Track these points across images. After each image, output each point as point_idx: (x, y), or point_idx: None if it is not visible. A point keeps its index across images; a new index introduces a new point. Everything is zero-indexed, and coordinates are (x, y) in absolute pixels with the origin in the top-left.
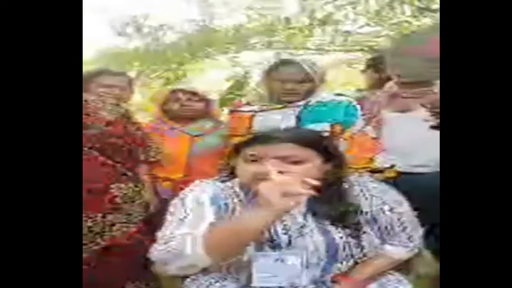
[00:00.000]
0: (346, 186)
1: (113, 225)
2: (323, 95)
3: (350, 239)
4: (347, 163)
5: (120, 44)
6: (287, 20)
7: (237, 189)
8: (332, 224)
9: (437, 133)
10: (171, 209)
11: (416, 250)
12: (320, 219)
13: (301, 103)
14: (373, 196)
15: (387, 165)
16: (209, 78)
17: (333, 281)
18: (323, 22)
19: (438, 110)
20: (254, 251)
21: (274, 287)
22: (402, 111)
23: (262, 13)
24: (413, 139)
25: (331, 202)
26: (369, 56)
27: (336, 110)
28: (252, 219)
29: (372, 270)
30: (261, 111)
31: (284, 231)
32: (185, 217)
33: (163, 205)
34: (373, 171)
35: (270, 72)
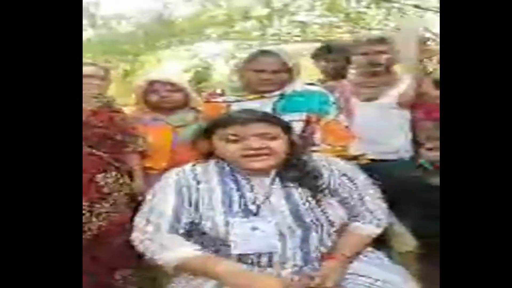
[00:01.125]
0: (307, 158)
1: (99, 214)
2: (297, 85)
3: (313, 203)
4: (300, 137)
5: None
6: (244, 10)
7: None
8: (298, 188)
9: (405, 121)
10: (146, 197)
11: (383, 226)
12: (287, 184)
13: (277, 93)
14: (334, 169)
15: (359, 153)
16: (167, 70)
17: (319, 259)
18: (280, 12)
19: (407, 99)
20: (229, 218)
21: (251, 253)
22: (369, 99)
23: (219, 3)
24: (381, 126)
25: (296, 169)
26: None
27: (311, 100)
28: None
29: (349, 248)
30: (237, 101)
31: (253, 199)
32: (154, 205)
33: None
34: (347, 159)
35: (248, 62)
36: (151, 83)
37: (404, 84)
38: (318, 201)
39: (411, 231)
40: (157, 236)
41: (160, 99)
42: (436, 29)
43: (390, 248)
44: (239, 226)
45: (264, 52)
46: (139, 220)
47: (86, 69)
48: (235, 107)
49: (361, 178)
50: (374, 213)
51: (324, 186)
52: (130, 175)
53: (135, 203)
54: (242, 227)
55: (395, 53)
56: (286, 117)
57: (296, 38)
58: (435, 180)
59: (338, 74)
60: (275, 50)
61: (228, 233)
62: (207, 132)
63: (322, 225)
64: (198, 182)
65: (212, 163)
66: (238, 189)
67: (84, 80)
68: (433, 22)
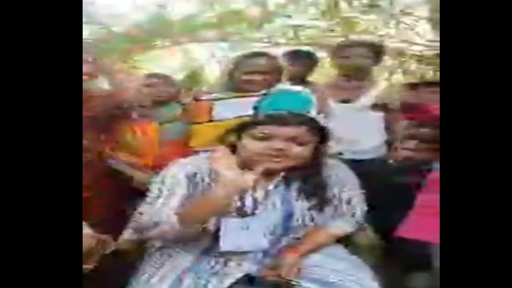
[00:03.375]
0: (323, 167)
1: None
2: (282, 84)
3: (307, 211)
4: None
5: None
6: (238, 12)
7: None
8: (300, 197)
9: (379, 122)
10: (150, 187)
11: (357, 226)
12: (289, 189)
13: (260, 92)
14: (333, 172)
15: (335, 152)
16: (161, 69)
17: (279, 251)
18: (274, 15)
19: (382, 101)
20: (221, 218)
21: (239, 252)
22: (345, 101)
23: (213, 5)
24: (358, 127)
25: (305, 177)
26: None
27: (293, 100)
28: (217, 193)
29: (315, 243)
30: (220, 99)
31: (251, 200)
32: (160, 193)
33: None
34: None
35: (239, 63)
36: (149, 76)
37: (380, 87)
38: (313, 211)
39: (375, 227)
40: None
41: (156, 92)
42: (428, 37)
43: (350, 241)
44: (230, 225)
45: (256, 54)
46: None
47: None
48: (218, 105)
49: (353, 181)
50: (356, 215)
51: (326, 198)
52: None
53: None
54: (233, 226)
55: (379, 58)
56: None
57: (289, 41)
58: (403, 179)
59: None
60: (267, 52)
61: (218, 229)
62: (240, 128)
63: (304, 230)
64: (199, 177)
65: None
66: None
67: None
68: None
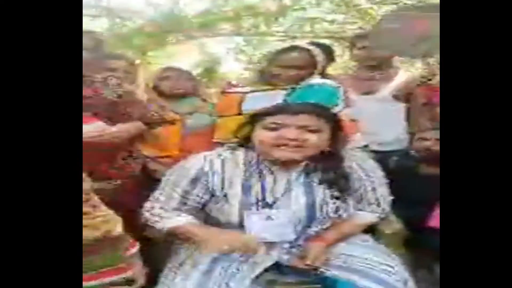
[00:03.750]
0: (344, 156)
1: None
2: (312, 78)
3: (330, 201)
4: (345, 135)
5: None
6: (253, 6)
7: (239, 160)
8: (322, 187)
9: (400, 113)
10: (163, 178)
11: (383, 216)
12: (311, 179)
13: (290, 86)
14: (356, 164)
15: (361, 145)
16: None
17: (306, 240)
18: (289, 8)
19: (402, 92)
20: (244, 208)
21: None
22: (367, 93)
23: None
24: (379, 119)
25: (326, 167)
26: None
27: (321, 93)
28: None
29: (342, 233)
30: (250, 92)
31: (272, 191)
32: (162, 190)
33: None
34: None
35: (276, 56)
36: (164, 70)
37: (401, 77)
38: (336, 201)
39: (399, 217)
40: (162, 208)
41: (172, 86)
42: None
43: (376, 230)
44: (253, 216)
45: (294, 48)
46: (155, 193)
47: (107, 62)
48: (248, 98)
49: (378, 172)
50: (382, 205)
51: (349, 187)
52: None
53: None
54: (257, 218)
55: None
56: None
57: (305, 34)
58: (427, 170)
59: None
60: (302, 45)
61: (242, 221)
62: (253, 119)
63: (329, 219)
64: (223, 170)
65: (242, 151)
66: (260, 181)
67: (106, 73)
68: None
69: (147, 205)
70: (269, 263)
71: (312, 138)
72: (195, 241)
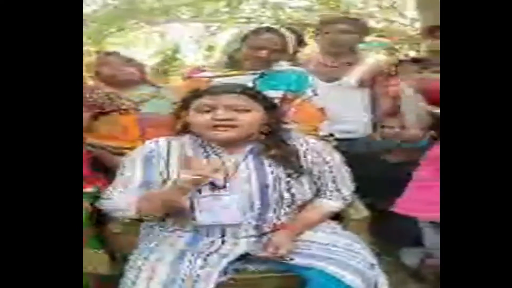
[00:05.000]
0: (287, 136)
1: None
2: (281, 64)
3: (282, 181)
4: (283, 115)
5: None
6: None
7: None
8: (272, 165)
9: (364, 100)
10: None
11: (346, 204)
12: (260, 160)
13: (259, 70)
14: (310, 148)
15: (327, 134)
16: (136, 52)
17: (272, 230)
18: None
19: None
20: (194, 193)
21: (216, 224)
22: (329, 80)
23: None
24: (343, 106)
25: (275, 145)
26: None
27: (290, 79)
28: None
29: (306, 221)
30: (217, 76)
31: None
32: (121, 174)
33: None
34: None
35: (249, 37)
36: (104, 56)
37: (363, 64)
38: (289, 180)
39: (366, 204)
40: (122, 196)
41: (114, 72)
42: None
43: (343, 218)
44: (203, 198)
45: (268, 29)
46: (111, 185)
47: None
48: (215, 83)
49: (336, 158)
50: (343, 192)
51: (300, 164)
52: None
53: None
54: (207, 199)
55: (361, 34)
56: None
57: (268, 20)
58: (392, 157)
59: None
60: (279, 28)
61: (193, 204)
62: (185, 103)
63: (283, 202)
64: (170, 155)
65: (187, 137)
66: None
67: None
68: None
69: (105, 195)
70: (237, 252)
71: (244, 117)
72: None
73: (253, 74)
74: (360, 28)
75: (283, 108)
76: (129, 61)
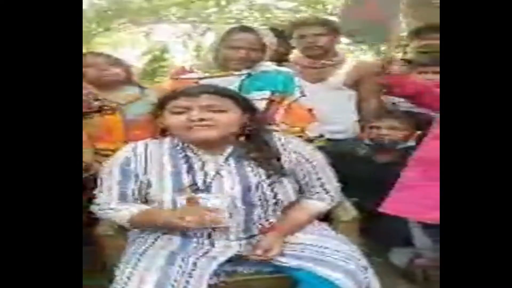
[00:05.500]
0: (268, 137)
1: None
2: (266, 64)
3: (265, 183)
4: (261, 115)
5: None
6: None
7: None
8: (253, 167)
9: (351, 101)
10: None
11: (333, 203)
12: (241, 162)
13: (245, 71)
14: (292, 149)
15: (317, 135)
16: (123, 52)
17: (261, 232)
18: None
19: (353, 79)
20: (176, 194)
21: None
22: (315, 81)
23: None
24: (330, 107)
25: (255, 148)
26: None
27: (277, 80)
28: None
29: (294, 222)
30: (204, 78)
31: (202, 175)
32: (103, 179)
33: None
34: (306, 140)
35: (226, 37)
36: (88, 56)
37: (349, 64)
38: (271, 182)
39: (355, 205)
40: (108, 204)
41: (99, 73)
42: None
43: (332, 219)
44: (184, 201)
45: (243, 28)
46: (95, 192)
47: None
48: (199, 84)
49: (319, 158)
50: (329, 192)
51: (281, 166)
52: None
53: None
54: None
55: (335, 35)
56: (251, 96)
57: (256, 21)
58: (380, 157)
59: (280, 58)
60: (254, 27)
61: (175, 207)
62: (160, 105)
63: (268, 204)
64: (148, 159)
65: (167, 140)
66: (188, 166)
67: None
68: None
69: (96, 200)
70: (227, 254)
71: (220, 117)
72: (158, 225)
73: (240, 75)
74: (332, 29)
75: (271, 109)
76: (116, 61)
